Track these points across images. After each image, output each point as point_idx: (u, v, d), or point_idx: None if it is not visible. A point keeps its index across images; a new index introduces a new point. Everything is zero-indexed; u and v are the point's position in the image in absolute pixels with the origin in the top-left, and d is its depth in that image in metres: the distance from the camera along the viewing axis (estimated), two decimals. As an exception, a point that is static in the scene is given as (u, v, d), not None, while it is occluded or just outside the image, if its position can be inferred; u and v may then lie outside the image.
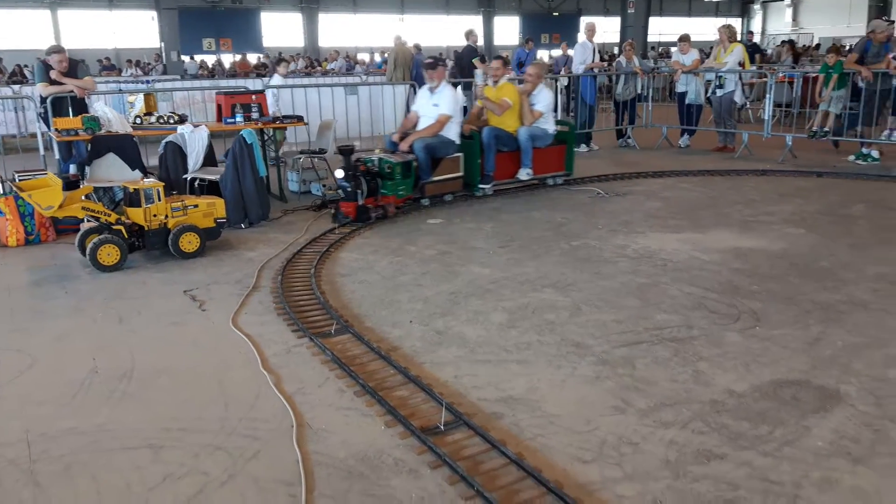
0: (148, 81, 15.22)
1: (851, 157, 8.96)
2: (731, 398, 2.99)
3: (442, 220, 6.52)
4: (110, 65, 22.51)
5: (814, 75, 9.85)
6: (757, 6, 47.60)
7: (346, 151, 6.08)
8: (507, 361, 3.43)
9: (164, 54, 23.08)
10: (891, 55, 8.58)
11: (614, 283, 4.56)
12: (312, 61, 25.59)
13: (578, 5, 40.60)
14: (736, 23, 47.01)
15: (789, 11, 45.62)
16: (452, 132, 7.02)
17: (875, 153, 8.84)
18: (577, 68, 11.04)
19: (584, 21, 12.53)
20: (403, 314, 4.10)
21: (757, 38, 45.59)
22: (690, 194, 7.46)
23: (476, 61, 12.17)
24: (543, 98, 7.69)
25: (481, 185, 7.34)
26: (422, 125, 7.00)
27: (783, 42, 20.22)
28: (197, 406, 3.05)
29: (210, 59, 28.76)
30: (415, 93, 11.78)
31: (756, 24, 47.85)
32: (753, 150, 9.80)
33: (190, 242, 5.29)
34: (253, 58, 29.58)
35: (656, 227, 6.05)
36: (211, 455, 2.66)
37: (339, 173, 6.06)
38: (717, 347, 3.52)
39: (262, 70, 22.98)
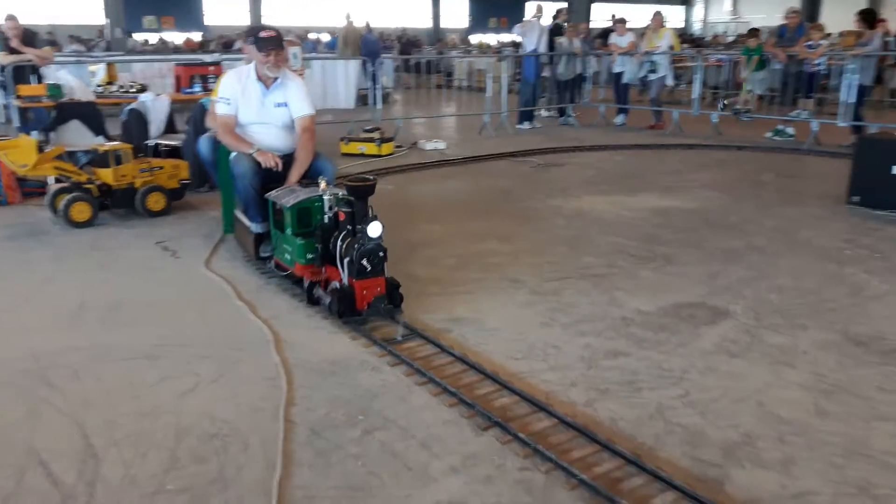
0: (96, 57, 15.16)
1: (769, 134, 9.76)
2: (639, 315, 3.60)
3: (394, 185, 6.99)
4: (52, 40, 22.05)
5: (737, 58, 10.63)
6: (698, -6, 49.03)
7: (364, 191, 3.48)
8: (455, 293, 3.95)
9: (109, 31, 22.73)
10: (804, 40, 9.39)
11: (550, 235, 5.13)
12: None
13: (525, -11, 41.15)
14: (678, 11, 48.41)
15: (729, 0, 47.24)
16: None
17: (790, 130, 9.65)
18: (528, 46, 11.40)
19: (532, 3, 13.01)
20: (361, 259, 4.58)
21: (698, 27, 47.27)
22: (622, 165, 8.11)
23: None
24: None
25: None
26: (260, 135, 4.33)
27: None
28: (183, 328, 3.48)
29: (152, 38, 28.37)
30: (366, 68, 12.18)
31: (698, 13, 49.37)
32: (683, 127, 10.53)
33: (156, 202, 5.64)
34: (196, 37, 29.30)
35: (589, 191, 6.66)
36: (201, 362, 3.11)
37: (377, 228, 3.41)
38: (632, 280, 4.13)
39: (207, 49, 22.85)
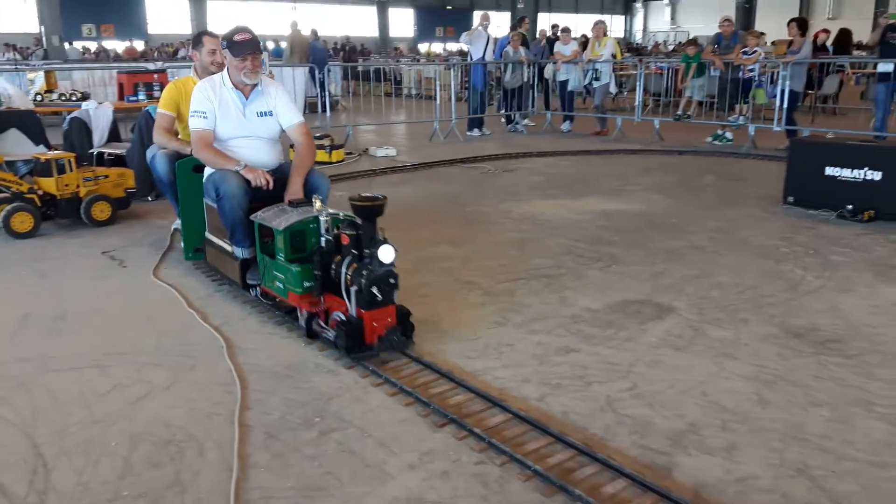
0: (33, 65, 14.73)
1: (709, 138, 10.10)
2: (588, 313, 3.70)
3: (345, 192, 6.99)
4: (-15, 48, 21.34)
5: (677, 66, 10.98)
6: (639, 4, 50.37)
7: (372, 211, 3.08)
8: (410, 297, 3.95)
9: (44, 39, 22.07)
10: (739, 47, 9.77)
11: (500, 238, 5.22)
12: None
13: (471, -1, 41.61)
14: (619, 20, 49.64)
15: (668, 10, 48.66)
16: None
17: (729, 134, 10.00)
18: (476, 55, 11.53)
19: (479, 12, 13.19)
20: (314, 265, 4.58)
21: (639, 36, 48.54)
22: (569, 170, 8.28)
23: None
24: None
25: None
26: (243, 150, 3.90)
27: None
28: (132, 337, 3.43)
29: (91, 46, 27.70)
30: (314, 76, 12.12)
31: (638, 22, 50.68)
32: (626, 133, 10.81)
33: (102, 211, 5.52)
34: (138, 45, 28.75)
35: (538, 196, 6.78)
36: (153, 370, 3.08)
37: (390, 253, 3.04)
38: (581, 280, 4.24)
39: (150, 57, 22.41)
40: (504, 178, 7.76)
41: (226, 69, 3.95)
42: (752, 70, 9.70)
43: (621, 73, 14.43)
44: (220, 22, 33.85)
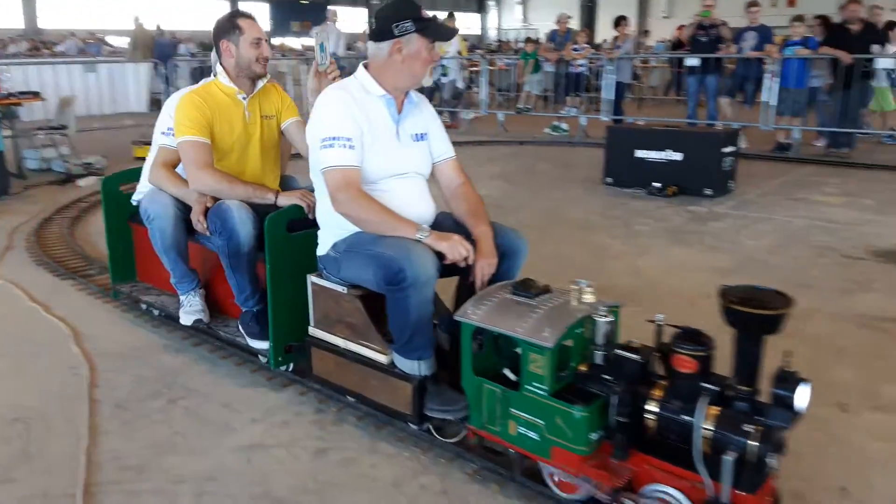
0: None
1: (547, 129, 10.90)
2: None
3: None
4: None
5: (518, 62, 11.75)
6: (492, 3, 52.06)
7: (765, 323, 1.80)
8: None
9: None
10: (570, 44, 10.62)
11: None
12: (38, 43, 23.52)
13: (326, -6, 41.33)
14: (474, 18, 51.10)
15: (519, 8, 50.67)
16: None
17: (565, 125, 10.84)
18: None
19: (333, 9, 13.39)
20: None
21: (493, 33, 50.20)
22: (419, 160, 8.70)
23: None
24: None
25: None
26: (399, 195, 2.51)
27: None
28: (-28, 332, 3.44)
29: None
30: (157, 71, 11.78)
31: (492, 20, 52.42)
32: (474, 126, 11.41)
33: (-72, 214, 5.28)
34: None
35: (387, 185, 7.14)
36: (-4, 360, 3.13)
37: (806, 395, 1.81)
38: (420, 257, 4.63)
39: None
40: (356, 170, 8.06)
41: (360, 67, 2.54)
42: (581, 65, 10.57)
43: (473, 69, 15.11)
44: (53, 14, 31.63)
